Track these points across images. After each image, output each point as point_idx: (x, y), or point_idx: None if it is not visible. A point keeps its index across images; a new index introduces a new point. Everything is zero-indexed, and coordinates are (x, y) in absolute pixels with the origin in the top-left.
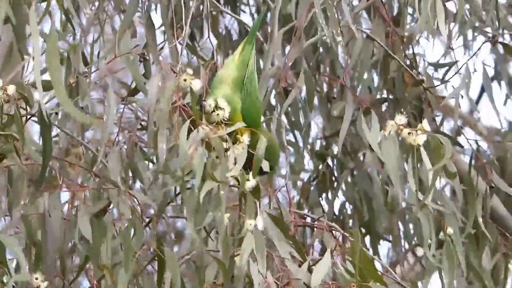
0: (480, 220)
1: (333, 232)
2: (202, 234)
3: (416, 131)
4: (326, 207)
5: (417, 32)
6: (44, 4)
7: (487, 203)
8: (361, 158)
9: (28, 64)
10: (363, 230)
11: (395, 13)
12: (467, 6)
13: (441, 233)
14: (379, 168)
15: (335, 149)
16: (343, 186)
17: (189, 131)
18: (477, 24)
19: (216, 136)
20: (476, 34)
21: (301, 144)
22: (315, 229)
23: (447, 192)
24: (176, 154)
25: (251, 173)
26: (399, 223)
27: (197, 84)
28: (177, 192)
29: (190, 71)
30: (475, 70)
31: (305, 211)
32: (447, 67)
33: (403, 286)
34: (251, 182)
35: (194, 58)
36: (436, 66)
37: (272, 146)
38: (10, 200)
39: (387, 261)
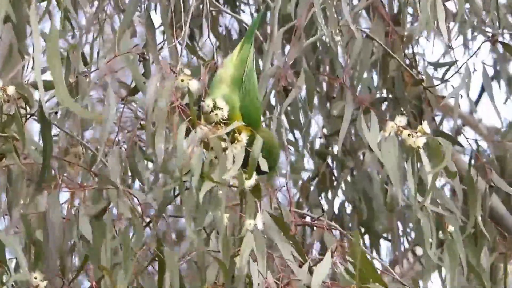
0: (479, 219)
1: (333, 231)
2: (203, 234)
3: (416, 132)
4: (325, 207)
5: (417, 31)
6: (44, 4)
7: (486, 203)
8: (361, 158)
9: (28, 64)
10: (362, 230)
11: (394, 12)
12: (467, 5)
13: (441, 233)
14: (378, 168)
15: (335, 148)
16: (343, 185)
17: (189, 131)
18: (476, 24)
19: (214, 136)
20: (476, 33)
21: (300, 143)
22: (315, 228)
23: (447, 191)
24: (174, 155)
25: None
26: (399, 222)
27: (194, 85)
28: (176, 193)
29: (187, 71)
30: (475, 70)
31: (305, 210)
32: (447, 67)
33: (403, 284)
34: (250, 182)
35: (194, 58)
36: (436, 65)
37: (272, 145)
38: (10, 199)
39: (387, 261)
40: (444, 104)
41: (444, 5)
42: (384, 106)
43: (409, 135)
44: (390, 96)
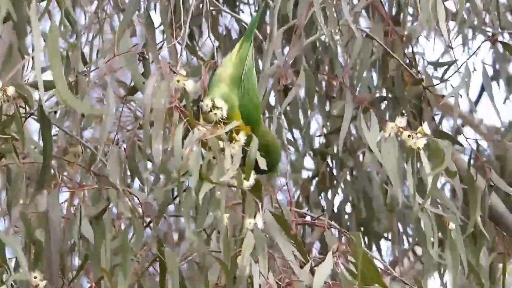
0: (479, 219)
1: (333, 230)
2: (203, 235)
3: (416, 134)
4: (325, 206)
5: (417, 31)
6: (43, 4)
7: (485, 202)
8: (361, 157)
9: (28, 63)
10: (361, 229)
11: (394, 12)
12: (467, 5)
13: (442, 232)
14: (378, 168)
15: (335, 147)
16: (342, 184)
17: (188, 131)
18: (476, 23)
19: (213, 136)
20: (476, 33)
21: (300, 142)
22: (315, 228)
23: (447, 190)
24: (172, 155)
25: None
26: (399, 222)
27: (190, 85)
28: (175, 195)
29: (183, 72)
30: (474, 69)
31: (305, 209)
32: (446, 66)
33: (405, 283)
34: (249, 182)
35: (194, 58)
36: (436, 65)
37: (273, 144)
38: (9, 199)
39: (387, 261)
40: (444, 103)
41: (444, 5)
42: (383, 105)
43: (409, 136)
44: (390, 95)
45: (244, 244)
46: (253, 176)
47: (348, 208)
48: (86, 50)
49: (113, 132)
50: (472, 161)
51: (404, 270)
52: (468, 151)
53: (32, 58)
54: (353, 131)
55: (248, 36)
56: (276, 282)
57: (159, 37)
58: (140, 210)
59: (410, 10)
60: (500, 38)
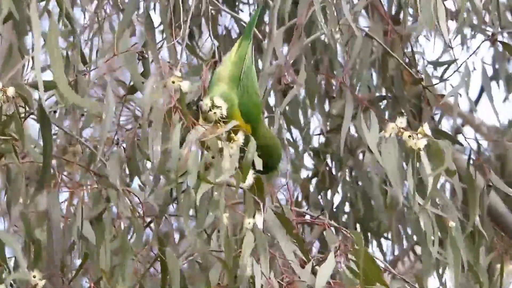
0: (477, 219)
1: (332, 229)
2: (203, 235)
3: (417, 134)
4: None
5: (418, 30)
6: (42, 3)
7: (484, 202)
8: (360, 156)
9: (28, 63)
10: (359, 228)
11: (394, 11)
12: (467, 4)
13: (442, 231)
14: (378, 168)
15: (334, 146)
16: (341, 184)
17: (188, 131)
18: (476, 23)
19: (211, 136)
20: (475, 32)
21: (300, 142)
22: (314, 226)
23: (447, 190)
24: (170, 156)
25: (251, 172)
26: (398, 222)
27: (186, 85)
28: (174, 197)
29: (178, 73)
30: (474, 69)
31: (304, 209)
32: (446, 66)
33: (406, 281)
34: (248, 181)
35: (194, 57)
36: (435, 64)
37: (274, 144)
38: (9, 198)
39: (387, 260)
40: (444, 103)
41: (444, 5)
42: (383, 105)
43: (409, 136)
44: (389, 95)
45: (244, 244)
46: (251, 175)
47: (346, 207)
48: (85, 50)
49: (112, 131)
50: (471, 161)
51: (404, 269)
52: (468, 151)
53: (32, 58)
54: (353, 131)
55: (247, 34)
56: (278, 282)
57: (158, 37)
58: (140, 209)
59: (410, 9)
60: (499, 38)
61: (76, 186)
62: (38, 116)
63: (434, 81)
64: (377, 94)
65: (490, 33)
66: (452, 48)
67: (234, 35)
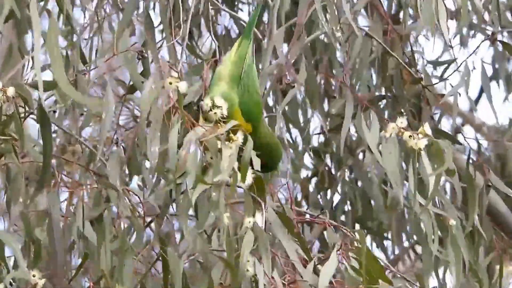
0: (476, 218)
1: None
2: (204, 235)
3: (418, 134)
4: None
5: (419, 30)
6: (41, 3)
7: (483, 202)
8: (360, 156)
9: (28, 63)
10: (358, 227)
11: (393, 10)
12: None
13: (442, 230)
14: (377, 167)
15: (334, 146)
16: (340, 183)
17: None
18: (475, 22)
19: (211, 137)
20: (475, 32)
21: (299, 142)
22: (314, 226)
23: (447, 189)
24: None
25: (250, 171)
26: (398, 221)
27: (183, 86)
28: (173, 198)
29: (175, 74)
30: (474, 68)
31: (304, 208)
32: (445, 65)
33: (407, 279)
34: (247, 181)
35: (193, 57)
36: (435, 64)
37: (274, 143)
38: (9, 198)
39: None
40: (444, 102)
41: (445, 4)
42: (382, 104)
43: (410, 136)
44: (389, 94)
45: (243, 243)
46: (251, 175)
47: (346, 207)
48: (85, 49)
49: (111, 131)
50: (471, 161)
51: (404, 269)
52: (467, 151)
53: (32, 57)
54: (352, 131)
55: (247, 33)
56: (281, 281)
57: (158, 36)
58: (140, 209)
59: (409, 7)
60: (499, 37)
61: (76, 185)
62: (38, 116)
63: (434, 80)
64: (377, 93)
65: (489, 33)
66: (452, 47)
67: (233, 35)
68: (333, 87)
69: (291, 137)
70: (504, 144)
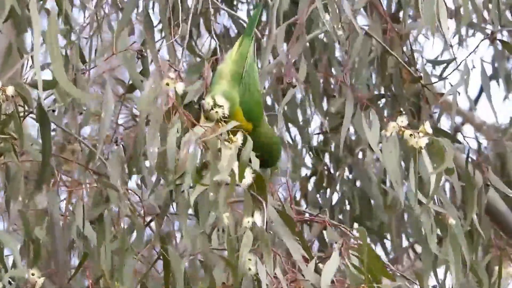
0: (475, 217)
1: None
2: (204, 234)
3: (418, 133)
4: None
5: (419, 29)
6: (41, 3)
7: (482, 201)
8: (359, 155)
9: (27, 63)
10: (356, 226)
11: (393, 9)
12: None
13: (441, 229)
14: (376, 167)
15: (333, 145)
16: (340, 182)
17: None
18: (475, 21)
19: (211, 136)
20: (475, 31)
21: (298, 141)
22: (313, 225)
23: (446, 188)
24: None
25: (250, 170)
26: (397, 220)
27: (181, 87)
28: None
29: (172, 75)
30: (473, 67)
31: (303, 207)
32: (445, 64)
33: (407, 278)
34: (247, 180)
35: (192, 57)
36: (434, 63)
37: (273, 141)
38: (8, 197)
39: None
40: (444, 101)
41: (445, 4)
42: (381, 103)
43: (411, 135)
44: (388, 93)
45: (243, 243)
46: (250, 175)
47: (345, 206)
48: (84, 49)
49: (110, 130)
50: (470, 160)
51: (402, 268)
52: (466, 149)
53: (31, 56)
54: (351, 130)
55: (248, 32)
56: (285, 280)
57: (157, 36)
58: (140, 208)
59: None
60: (499, 36)
61: (75, 184)
62: (37, 115)
63: (433, 79)
64: (376, 92)
65: (489, 32)
66: (452, 46)
67: (232, 34)
68: (332, 86)
69: (290, 136)
70: (504, 143)
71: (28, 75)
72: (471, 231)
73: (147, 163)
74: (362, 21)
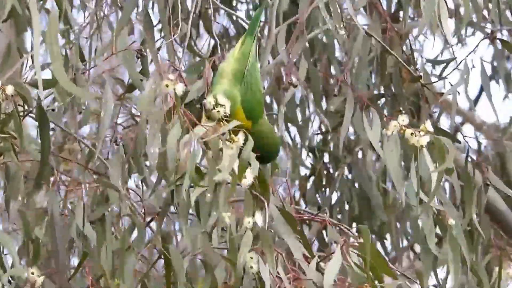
0: (474, 217)
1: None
2: (205, 233)
3: (419, 132)
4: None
5: (420, 28)
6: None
7: (481, 200)
8: (358, 155)
9: (26, 62)
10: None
11: (393, 9)
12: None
13: (441, 229)
14: (375, 166)
15: (332, 145)
16: (339, 182)
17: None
18: (475, 21)
19: (213, 137)
20: (475, 30)
21: (298, 140)
22: (312, 225)
23: (446, 187)
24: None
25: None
26: (397, 220)
27: (180, 89)
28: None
29: (171, 76)
30: (473, 66)
31: (302, 207)
32: (445, 64)
33: (407, 277)
34: (247, 180)
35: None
36: (434, 62)
37: (272, 139)
38: (7, 196)
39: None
40: (443, 101)
41: (446, 3)
42: (381, 103)
43: (412, 134)
44: (388, 93)
45: (242, 243)
46: (250, 175)
47: (344, 206)
48: (84, 48)
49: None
50: (470, 159)
51: (402, 268)
52: (466, 149)
53: (31, 56)
54: (350, 129)
55: (251, 31)
56: (288, 280)
57: (157, 35)
58: (140, 208)
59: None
60: (498, 35)
61: (75, 184)
62: (36, 115)
63: (433, 79)
64: (376, 92)
65: (489, 31)
66: (451, 46)
67: (231, 34)
68: (332, 86)
69: (290, 136)
70: (504, 143)
71: (28, 75)
72: (471, 231)
73: (147, 163)
74: (362, 20)
